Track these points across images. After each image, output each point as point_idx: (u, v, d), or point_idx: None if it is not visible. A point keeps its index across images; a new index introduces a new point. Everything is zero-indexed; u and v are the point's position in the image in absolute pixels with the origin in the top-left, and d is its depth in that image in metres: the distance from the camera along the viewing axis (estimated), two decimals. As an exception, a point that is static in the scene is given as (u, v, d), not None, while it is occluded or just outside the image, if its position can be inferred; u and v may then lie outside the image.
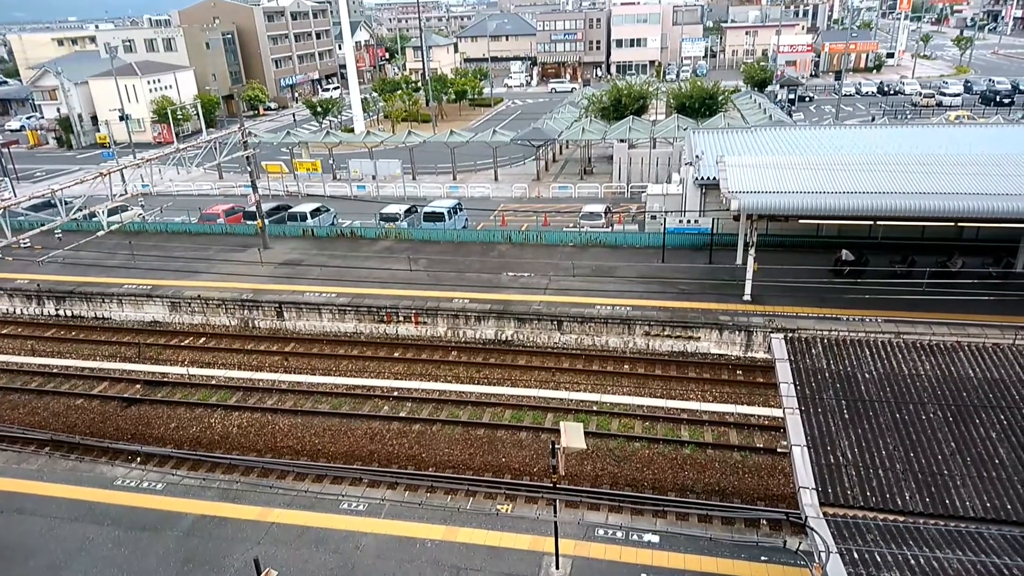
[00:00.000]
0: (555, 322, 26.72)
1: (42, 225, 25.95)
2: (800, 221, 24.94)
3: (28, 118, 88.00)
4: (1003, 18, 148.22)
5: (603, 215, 36.35)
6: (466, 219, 38.75)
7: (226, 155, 33.68)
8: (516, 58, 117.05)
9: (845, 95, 74.93)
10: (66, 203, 26.18)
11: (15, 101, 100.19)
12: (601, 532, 15.96)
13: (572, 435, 13.01)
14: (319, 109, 72.17)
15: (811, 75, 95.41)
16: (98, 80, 74.32)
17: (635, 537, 15.71)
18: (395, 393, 24.05)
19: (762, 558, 14.96)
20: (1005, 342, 14.74)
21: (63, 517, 17.38)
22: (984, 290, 24.56)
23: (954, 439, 12.54)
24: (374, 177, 50.73)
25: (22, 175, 59.66)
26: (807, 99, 77.05)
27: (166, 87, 77.21)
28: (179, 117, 69.82)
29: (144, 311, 31.02)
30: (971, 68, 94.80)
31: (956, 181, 23.63)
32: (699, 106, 54.13)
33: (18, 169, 60.00)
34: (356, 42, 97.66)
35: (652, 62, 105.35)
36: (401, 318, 28.25)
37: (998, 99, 69.18)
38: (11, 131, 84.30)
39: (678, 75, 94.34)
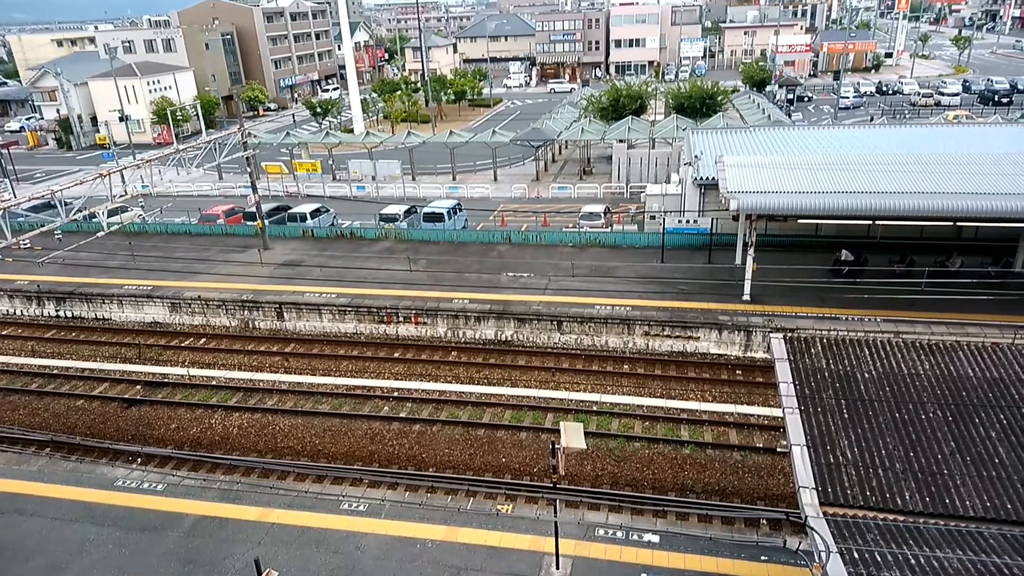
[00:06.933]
0: (555, 322, 26.75)
1: (42, 226, 25.99)
2: (799, 221, 24.97)
3: (28, 119, 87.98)
4: (1001, 17, 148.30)
5: (602, 215, 36.37)
6: (466, 219, 38.77)
7: (226, 156, 33.69)
8: (515, 58, 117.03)
9: (844, 96, 74.92)
10: (66, 204, 26.20)
11: (14, 102, 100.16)
12: (601, 532, 15.97)
13: (572, 435, 13.04)
14: (319, 110, 72.20)
15: (810, 75, 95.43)
16: (98, 81, 74.31)
17: (635, 537, 15.73)
18: (395, 393, 24.07)
19: (762, 558, 14.98)
20: (1004, 341, 14.77)
21: (63, 518, 17.39)
22: (983, 289, 24.58)
23: (954, 438, 12.57)
24: (374, 178, 50.75)
25: (22, 176, 59.63)
26: (806, 99, 77.08)
27: (166, 88, 77.23)
28: (179, 118, 69.77)
29: (144, 312, 31.04)
30: (969, 68, 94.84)
31: (955, 181, 23.66)
32: (698, 106, 54.16)
33: (18, 170, 59.96)
34: (355, 43, 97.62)
35: (651, 62, 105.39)
36: (401, 318, 28.27)
37: (996, 99, 69.26)
38: (11, 132, 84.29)
39: (677, 75, 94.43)
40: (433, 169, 54.25)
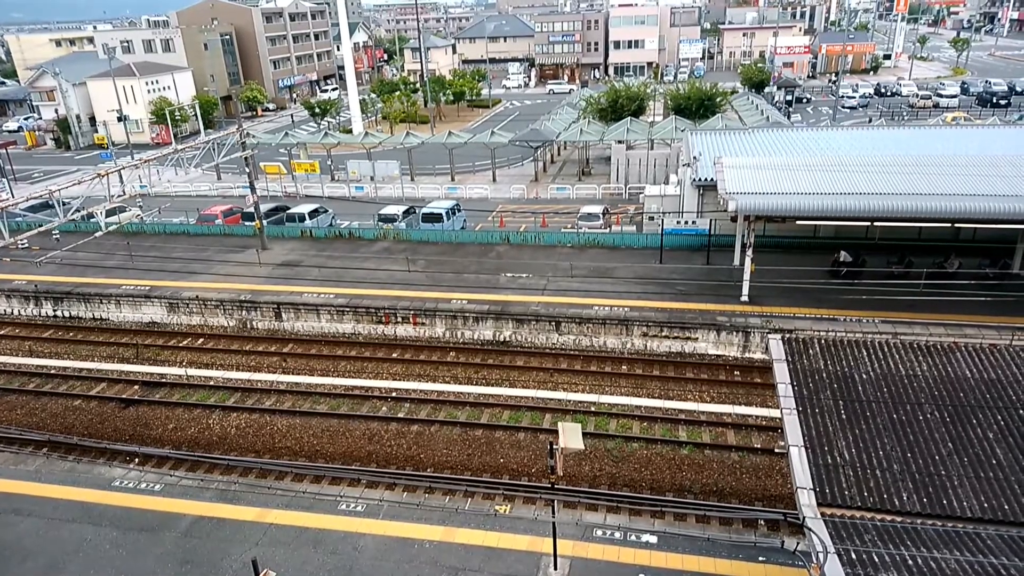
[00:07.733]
0: (553, 323, 26.73)
1: (40, 226, 25.90)
2: (797, 222, 25.00)
3: (26, 119, 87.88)
4: (999, 20, 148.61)
5: (601, 216, 36.38)
6: (464, 220, 38.77)
7: (224, 156, 33.65)
8: (514, 59, 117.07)
9: (849, 96, 75.01)
10: (64, 204, 26.12)
11: (13, 102, 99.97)
12: (599, 533, 15.98)
13: (570, 436, 13.03)
14: (317, 110, 72.14)
15: (808, 76, 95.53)
16: (96, 81, 74.25)
17: (633, 537, 15.73)
18: (393, 394, 24.05)
19: (760, 558, 14.98)
20: (1002, 342, 14.78)
21: (60, 518, 17.36)
22: (981, 291, 24.62)
23: (951, 439, 12.57)
24: (372, 178, 50.72)
25: (20, 176, 59.55)
26: (804, 100, 77.15)
27: (164, 88, 77.15)
28: (177, 118, 69.73)
29: (142, 312, 30.99)
30: (968, 70, 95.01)
31: (953, 182, 23.68)
32: (697, 107, 54.20)
33: (16, 170, 59.90)
34: (354, 43, 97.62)
35: (650, 63, 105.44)
36: (399, 319, 28.25)
37: (995, 100, 69.40)
38: (9, 132, 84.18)
39: (676, 76, 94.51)
40: (432, 170, 54.25)
